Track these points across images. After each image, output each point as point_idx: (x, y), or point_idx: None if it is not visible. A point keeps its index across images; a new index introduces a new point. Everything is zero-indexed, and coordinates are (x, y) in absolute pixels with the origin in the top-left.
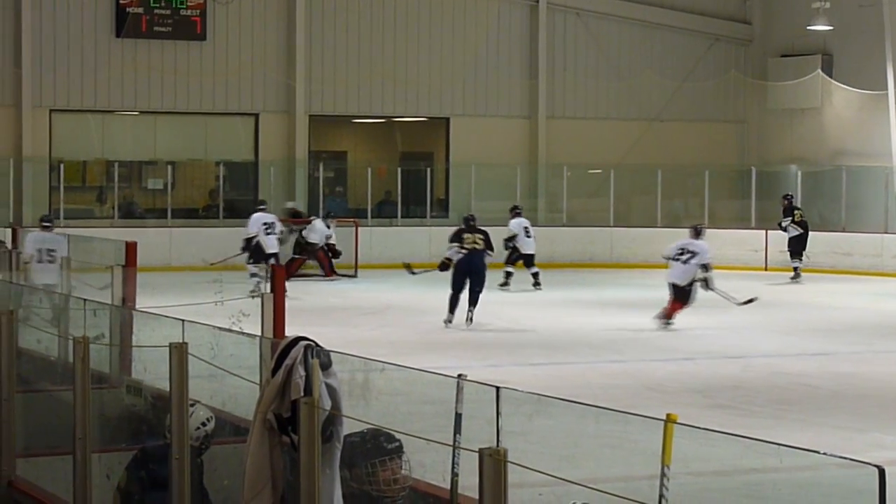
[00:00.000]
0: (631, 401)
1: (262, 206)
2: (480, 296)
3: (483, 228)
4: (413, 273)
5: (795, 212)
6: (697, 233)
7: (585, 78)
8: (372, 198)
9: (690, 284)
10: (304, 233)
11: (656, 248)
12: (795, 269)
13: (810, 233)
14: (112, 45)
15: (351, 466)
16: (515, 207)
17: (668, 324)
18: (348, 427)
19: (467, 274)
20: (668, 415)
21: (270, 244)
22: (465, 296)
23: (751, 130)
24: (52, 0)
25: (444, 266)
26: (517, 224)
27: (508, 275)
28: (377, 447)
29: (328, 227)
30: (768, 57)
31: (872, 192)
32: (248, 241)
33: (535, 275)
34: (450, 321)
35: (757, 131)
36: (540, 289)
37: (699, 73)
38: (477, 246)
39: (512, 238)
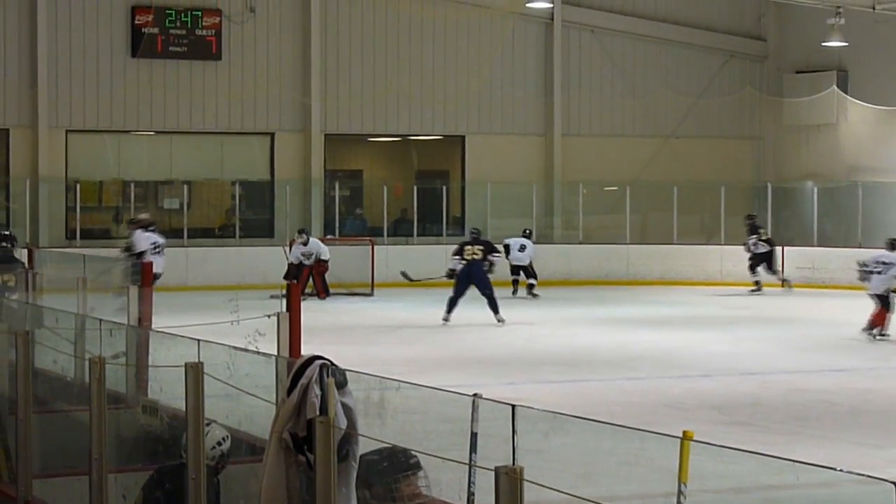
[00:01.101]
0: (648, 418)
1: (151, 228)
2: (495, 298)
3: (485, 240)
4: (409, 280)
5: (760, 230)
6: (893, 246)
7: (601, 95)
8: (388, 216)
9: (888, 292)
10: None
11: (672, 264)
12: (757, 282)
13: (783, 248)
14: (128, 65)
15: (370, 485)
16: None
17: (883, 334)
18: (364, 446)
19: (467, 282)
20: (684, 432)
21: (158, 264)
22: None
23: (766, 147)
24: (67, 21)
25: (449, 275)
26: (514, 241)
27: (514, 282)
28: (397, 464)
29: (305, 245)
30: (783, 73)
31: (889, 208)
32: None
33: (530, 286)
34: (446, 320)
35: (772, 147)
36: (534, 297)
37: (714, 90)
38: (476, 256)
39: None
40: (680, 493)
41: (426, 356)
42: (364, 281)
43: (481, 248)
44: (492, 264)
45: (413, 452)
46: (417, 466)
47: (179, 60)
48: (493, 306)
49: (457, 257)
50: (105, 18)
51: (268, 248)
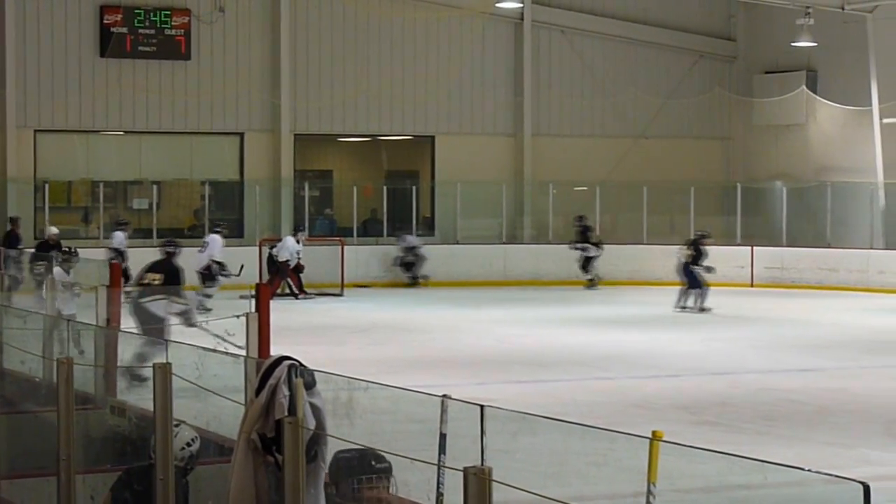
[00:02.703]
0: (618, 418)
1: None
2: None
3: None
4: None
5: (590, 233)
6: None
7: (571, 95)
8: (358, 216)
9: None
10: (273, 251)
11: (642, 264)
12: (591, 279)
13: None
14: (96, 65)
15: (338, 482)
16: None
17: None
18: (337, 446)
19: None
20: (653, 432)
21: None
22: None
23: (736, 147)
24: (35, 20)
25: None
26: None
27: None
28: (366, 466)
29: (298, 242)
30: (753, 73)
31: (857, 208)
32: None
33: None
34: None
35: (742, 148)
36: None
37: (684, 90)
38: None
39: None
40: (649, 492)
41: (396, 356)
42: (334, 281)
43: None
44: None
45: (386, 458)
46: (387, 472)
47: (148, 60)
48: None
49: None
50: (73, 18)
51: (238, 249)
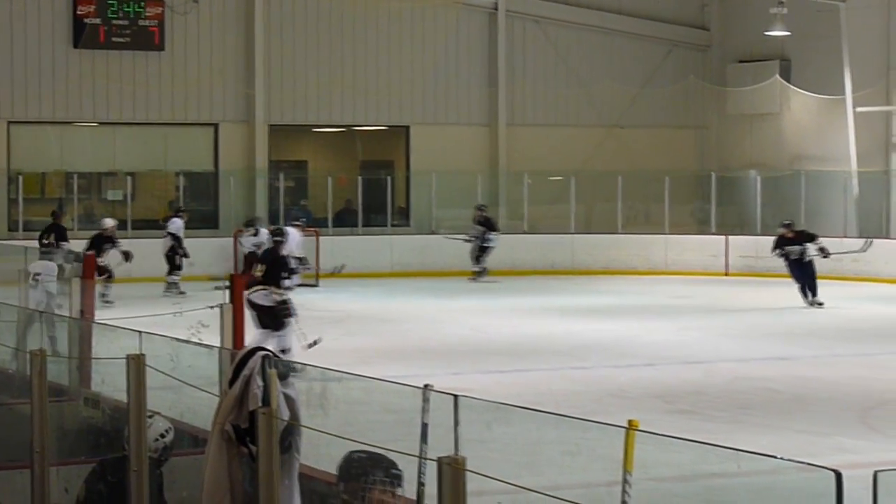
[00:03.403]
0: (593, 407)
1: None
2: None
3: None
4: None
5: (493, 222)
6: None
7: (545, 85)
8: (332, 207)
9: None
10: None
11: (617, 254)
12: (480, 271)
13: None
14: (70, 56)
15: (348, 479)
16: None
17: None
18: (309, 438)
19: None
20: (629, 421)
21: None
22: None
23: (710, 136)
24: (8, 12)
25: None
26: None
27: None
28: (379, 470)
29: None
30: (727, 62)
31: (831, 197)
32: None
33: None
34: None
35: (716, 137)
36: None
37: (658, 80)
38: None
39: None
40: (625, 481)
41: (372, 347)
42: (309, 272)
43: None
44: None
45: (400, 467)
46: (398, 479)
47: (122, 51)
48: None
49: None
50: (47, 9)
51: (212, 240)
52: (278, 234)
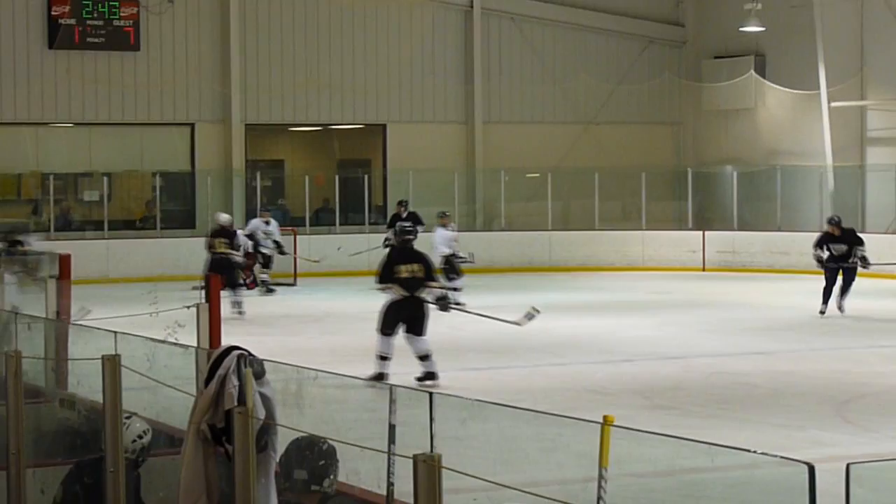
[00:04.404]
0: (571, 403)
1: None
2: None
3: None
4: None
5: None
6: None
7: (521, 82)
8: (310, 206)
9: None
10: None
11: (595, 250)
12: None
13: None
14: (45, 56)
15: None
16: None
17: None
18: (286, 436)
19: None
20: (604, 417)
21: None
22: None
23: (686, 132)
24: None
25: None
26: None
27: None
28: (334, 462)
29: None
30: (702, 58)
31: (807, 192)
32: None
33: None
34: None
35: (692, 132)
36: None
37: (634, 76)
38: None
39: None
40: (601, 477)
41: (349, 346)
42: (287, 271)
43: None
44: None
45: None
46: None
47: (97, 52)
48: None
49: None
50: (21, 10)
51: (189, 240)
52: (408, 233)
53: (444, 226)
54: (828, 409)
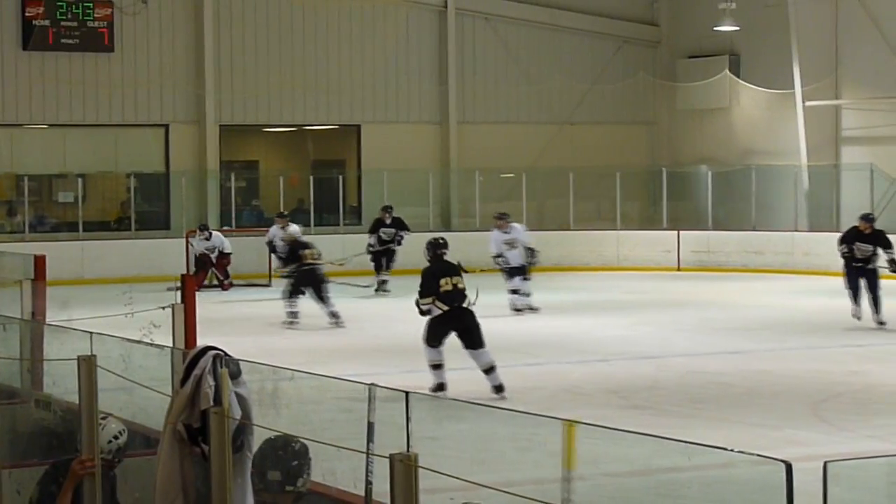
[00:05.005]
0: (547, 403)
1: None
2: None
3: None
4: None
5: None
6: None
7: (496, 83)
8: (284, 206)
9: None
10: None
11: (570, 250)
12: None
13: None
14: (19, 58)
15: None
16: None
17: None
18: (261, 436)
19: None
20: (567, 422)
21: None
22: None
23: (661, 131)
24: None
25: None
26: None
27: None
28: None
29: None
30: (676, 58)
31: (782, 191)
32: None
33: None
34: None
35: (667, 132)
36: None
37: (608, 76)
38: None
39: None
40: (566, 479)
41: (325, 346)
42: (262, 272)
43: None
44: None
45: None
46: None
47: (71, 53)
48: None
49: None
50: None
51: (164, 241)
52: (442, 247)
53: (498, 228)
54: (803, 409)
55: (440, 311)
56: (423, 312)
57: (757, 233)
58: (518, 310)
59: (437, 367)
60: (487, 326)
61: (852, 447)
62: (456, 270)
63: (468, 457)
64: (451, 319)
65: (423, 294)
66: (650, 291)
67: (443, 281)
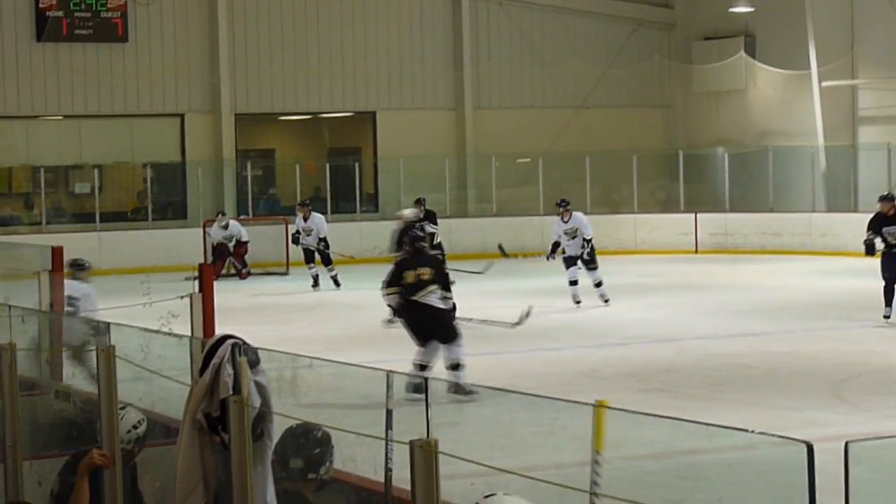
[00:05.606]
0: (566, 388)
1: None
2: None
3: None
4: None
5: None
6: None
7: (510, 67)
8: (301, 194)
9: None
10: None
11: (593, 233)
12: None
13: None
14: (33, 49)
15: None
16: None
17: None
18: (281, 424)
19: None
20: (598, 401)
21: None
22: None
23: (676, 114)
24: None
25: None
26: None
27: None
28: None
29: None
30: (691, 40)
31: (799, 172)
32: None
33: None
34: None
35: (683, 115)
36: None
37: (623, 59)
38: None
39: None
40: (595, 461)
41: (343, 334)
42: (279, 260)
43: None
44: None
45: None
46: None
47: (85, 44)
48: None
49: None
50: (8, 3)
51: (181, 231)
52: (421, 240)
53: (560, 216)
54: (823, 389)
55: (399, 304)
56: (389, 305)
57: (774, 214)
58: (578, 302)
59: (421, 367)
60: (497, 312)
61: (873, 427)
62: (426, 262)
63: (489, 442)
64: (410, 311)
65: (388, 284)
66: (668, 274)
67: (408, 273)
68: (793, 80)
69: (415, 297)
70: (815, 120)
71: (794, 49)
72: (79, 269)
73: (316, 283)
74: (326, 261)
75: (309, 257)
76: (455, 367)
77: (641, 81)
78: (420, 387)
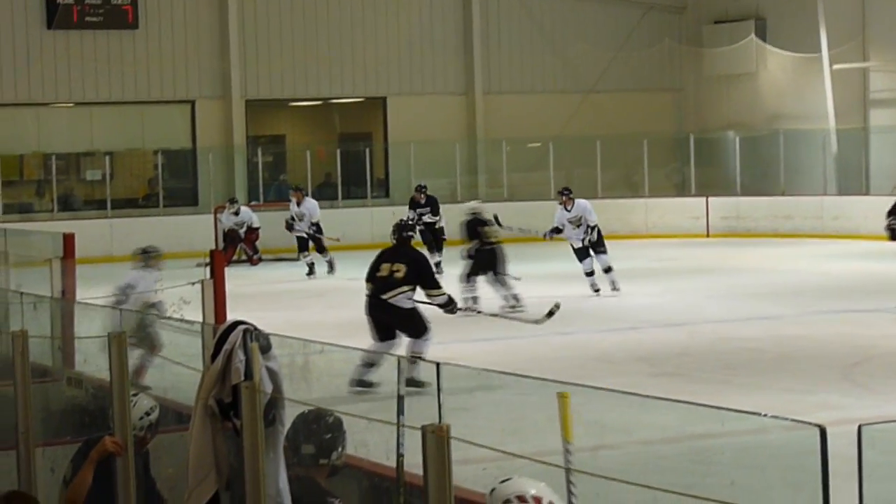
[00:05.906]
0: (578, 372)
1: None
2: None
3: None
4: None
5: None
6: None
7: (521, 52)
8: (312, 180)
9: None
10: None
11: (598, 218)
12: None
13: None
14: (44, 37)
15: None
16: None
17: None
18: (293, 410)
19: None
20: (559, 393)
21: None
22: None
23: (687, 98)
24: None
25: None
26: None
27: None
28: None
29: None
30: (702, 24)
31: (810, 155)
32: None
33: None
34: None
35: (693, 98)
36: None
37: (633, 43)
38: None
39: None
40: (566, 451)
41: (354, 320)
42: (290, 246)
43: None
44: None
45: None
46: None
47: (96, 31)
48: None
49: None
50: None
51: (192, 217)
52: (408, 230)
53: (562, 204)
54: (836, 373)
55: (366, 299)
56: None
57: (786, 198)
58: (597, 290)
59: (367, 365)
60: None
61: (886, 410)
62: (405, 258)
63: (500, 427)
64: (376, 309)
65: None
66: (679, 258)
67: (384, 266)
68: (804, 63)
69: (384, 297)
70: (827, 103)
71: (804, 32)
72: (146, 255)
73: (311, 272)
74: (321, 248)
75: (303, 245)
76: (415, 359)
77: (652, 65)
78: (363, 383)
